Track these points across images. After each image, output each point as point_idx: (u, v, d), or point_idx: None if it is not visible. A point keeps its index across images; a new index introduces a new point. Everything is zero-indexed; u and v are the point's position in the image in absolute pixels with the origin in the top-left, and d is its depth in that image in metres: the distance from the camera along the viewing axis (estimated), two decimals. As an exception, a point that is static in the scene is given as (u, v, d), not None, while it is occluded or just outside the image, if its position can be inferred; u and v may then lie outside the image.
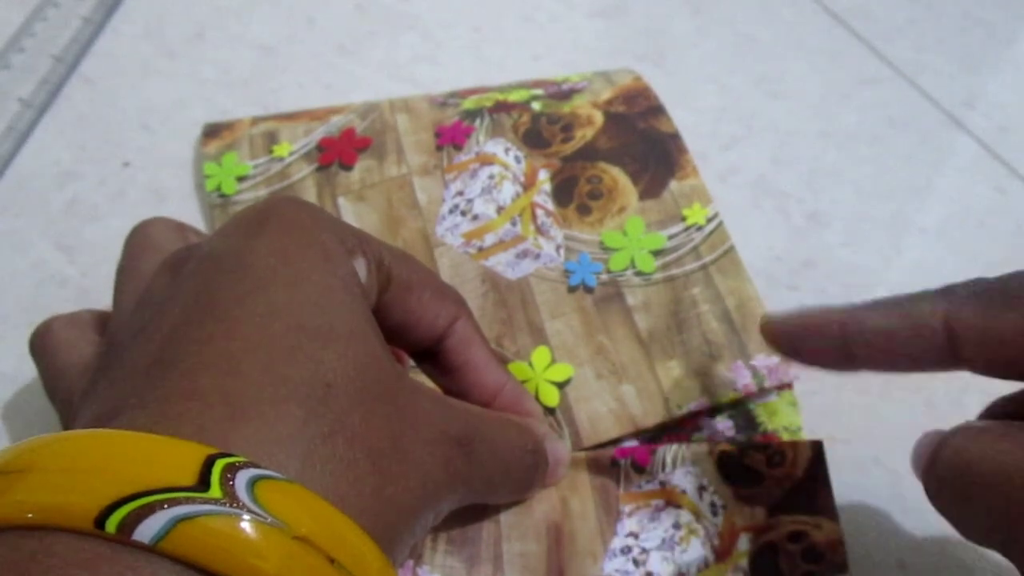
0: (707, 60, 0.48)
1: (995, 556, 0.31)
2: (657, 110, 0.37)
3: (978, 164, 0.44)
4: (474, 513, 0.27)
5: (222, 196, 0.36)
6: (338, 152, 0.37)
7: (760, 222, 0.40)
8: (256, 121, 0.39)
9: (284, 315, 0.19)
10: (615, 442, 0.30)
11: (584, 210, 0.34)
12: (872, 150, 0.44)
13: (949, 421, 0.34)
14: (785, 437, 0.30)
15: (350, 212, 0.35)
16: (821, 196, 0.41)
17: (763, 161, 0.42)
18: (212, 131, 0.39)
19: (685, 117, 0.44)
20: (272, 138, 0.38)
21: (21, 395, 0.32)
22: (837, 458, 0.32)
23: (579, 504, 0.28)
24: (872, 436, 0.33)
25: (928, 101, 0.47)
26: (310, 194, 0.36)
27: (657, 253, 0.33)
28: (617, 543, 0.28)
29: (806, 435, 0.31)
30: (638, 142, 0.36)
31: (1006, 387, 0.35)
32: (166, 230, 0.28)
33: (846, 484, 0.31)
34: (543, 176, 0.35)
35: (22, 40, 0.43)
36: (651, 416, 0.30)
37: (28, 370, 0.32)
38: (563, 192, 0.35)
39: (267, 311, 0.19)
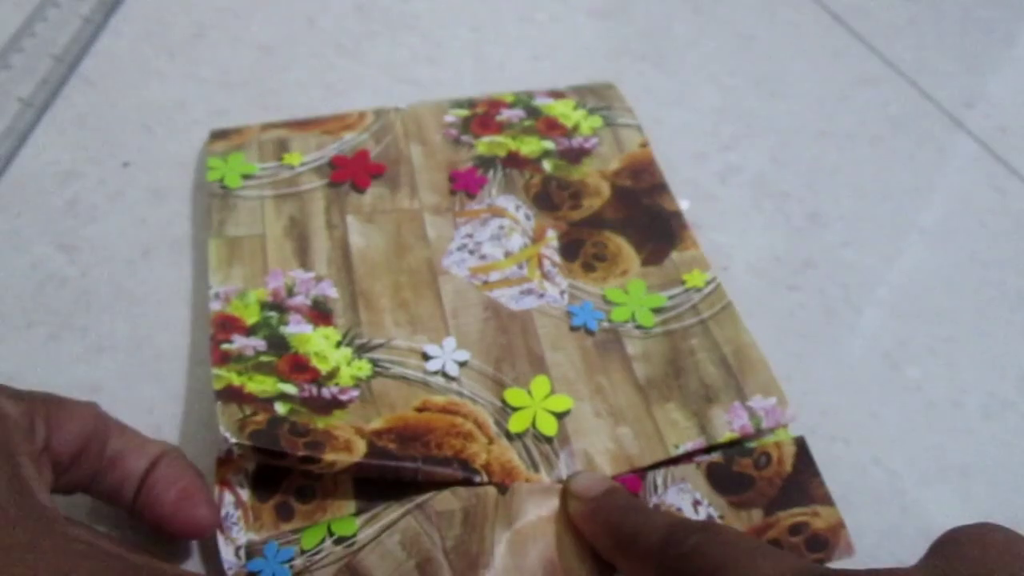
0: (707, 60, 0.48)
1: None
2: (661, 188, 0.38)
3: (978, 164, 0.44)
4: (468, 563, 0.26)
5: (224, 187, 0.36)
6: (351, 173, 0.37)
7: (760, 222, 0.40)
8: (266, 128, 0.39)
9: None
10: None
11: (589, 267, 0.35)
12: (872, 150, 0.44)
13: (950, 421, 0.34)
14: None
15: (358, 231, 0.35)
16: (821, 196, 0.41)
17: (763, 161, 0.42)
18: (219, 135, 0.39)
19: (685, 117, 0.44)
20: (283, 146, 0.38)
21: (21, 395, 0.32)
22: (836, 457, 0.32)
23: (572, 539, 0.28)
24: (872, 436, 0.33)
25: (928, 101, 0.47)
26: (319, 207, 0.36)
27: (657, 311, 0.34)
28: None
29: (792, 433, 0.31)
30: (642, 216, 0.37)
31: (1009, 391, 0.35)
32: None
33: (846, 484, 0.31)
34: (551, 234, 0.36)
35: (22, 40, 0.43)
36: (648, 456, 0.30)
37: (28, 370, 0.32)
38: (569, 250, 0.36)
39: None
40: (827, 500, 0.29)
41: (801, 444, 0.30)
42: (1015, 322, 0.37)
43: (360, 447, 0.28)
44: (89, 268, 0.35)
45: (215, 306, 0.32)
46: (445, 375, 0.31)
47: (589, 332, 0.33)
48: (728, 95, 0.46)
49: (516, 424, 0.30)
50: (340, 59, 0.45)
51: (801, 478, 0.29)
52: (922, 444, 0.33)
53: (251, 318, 0.32)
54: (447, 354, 0.31)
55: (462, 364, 0.31)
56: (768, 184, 0.41)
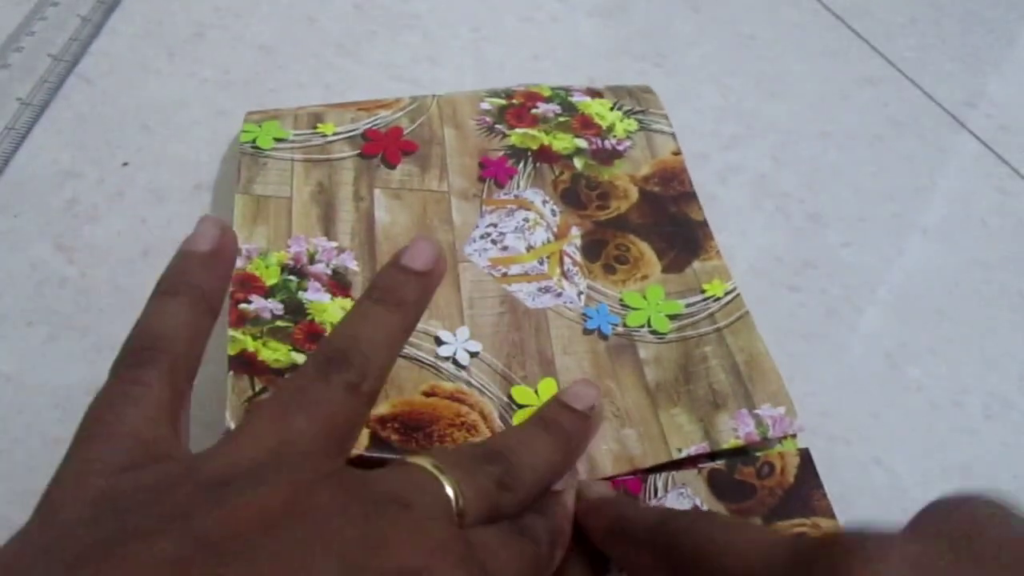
0: (707, 60, 0.48)
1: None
2: (689, 196, 0.38)
3: (979, 164, 0.44)
4: None
5: (255, 147, 0.37)
6: (383, 147, 0.38)
7: (760, 222, 0.40)
8: (302, 109, 0.40)
9: None
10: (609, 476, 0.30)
11: (609, 269, 0.35)
12: (872, 150, 0.44)
13: (951, 421, 0.34)
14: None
15: (384, 205, 0.36)
16: (821, 196, 0.41)
17: (763, 161, 0.42)
18: (255, 112, 0.39)
19: (685, 117, 0.43)
20: (318, 118, 0.39)
21: (21, 395, 0.32)
22: (837, 458, 0.32)
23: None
24: (872, 436, 0.33)
25: (929, 100, 0.47)
26: (348, 177, 0.36)
27: (673, 317, 0.34)
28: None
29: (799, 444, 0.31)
30: (668, 224, 0.37)
31: (1010, 391, 0.35)
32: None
33: (846, 484, 0.31)
34: (575, 232, 0.36)
35: (21, 39, 0.43)
36: (650, 457, 0.30)
37: (28, 370, 0.32)
38: (591, 250, 0.36)
39: None
40: (828, 513, 0.29)
41: (805, 456, 0.30)
42: (1016, 322, 0.37)
43: (363, 439, 0.28)
44: (89, 268, 0.35)
45: (237, 263, 0.32)
46: (456, 362, 0.31)
47: (602, 336, 0.33)
48: (728, 95, 0.46)
49: (520, 420, 0.30)
50: (340, 59, 0.45)
51: (803, 490, 0.29)
52: (923, 444, 0.33)
53: (270, 279, 0.32)
54: (459, 342, 0.32)
55: (473, 354, 0.31)
56: (768, 184, 0.41)
